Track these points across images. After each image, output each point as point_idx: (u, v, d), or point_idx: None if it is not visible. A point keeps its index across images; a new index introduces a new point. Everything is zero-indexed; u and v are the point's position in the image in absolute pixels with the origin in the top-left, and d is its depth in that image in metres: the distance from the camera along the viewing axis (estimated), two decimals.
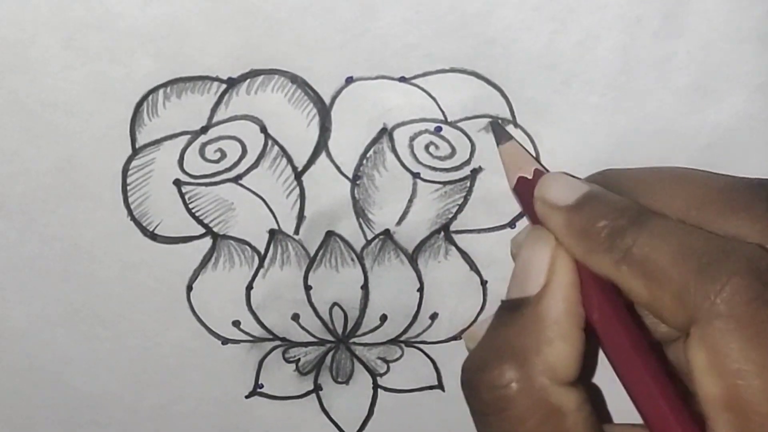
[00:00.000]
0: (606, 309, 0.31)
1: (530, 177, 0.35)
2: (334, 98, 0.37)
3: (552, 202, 0.33)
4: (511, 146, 0.36)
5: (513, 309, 0.32)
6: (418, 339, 0.42)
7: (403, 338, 0.42)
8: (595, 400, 0.32)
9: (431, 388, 0.43)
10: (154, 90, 0.36)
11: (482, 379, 0.31)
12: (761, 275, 0.28)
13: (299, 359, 0.42)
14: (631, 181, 0.33)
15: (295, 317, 0.41)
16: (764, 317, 0.28)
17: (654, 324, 0.34)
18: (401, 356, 0.43)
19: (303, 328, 0.41)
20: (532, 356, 0.31)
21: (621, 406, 0.32)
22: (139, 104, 0.36)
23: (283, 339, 0.42)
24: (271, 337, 0.41)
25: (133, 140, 0.37)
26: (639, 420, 0.31)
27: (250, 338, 0.41)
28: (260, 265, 0.40)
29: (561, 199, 0.32)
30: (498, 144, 0.36)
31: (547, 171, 0.36)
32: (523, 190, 0.35)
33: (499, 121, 0.37)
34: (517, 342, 0.31)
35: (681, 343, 0.30)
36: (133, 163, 0.37)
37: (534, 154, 0.38)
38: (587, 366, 0.32)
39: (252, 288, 0.40)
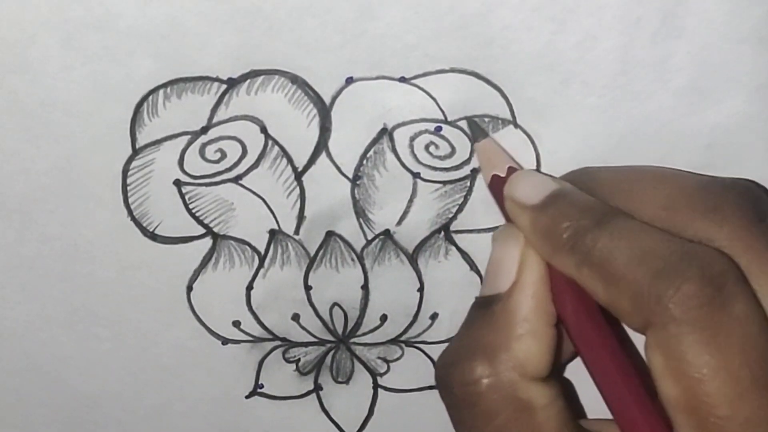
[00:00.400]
0: (577, 306, 0.32)
1: (503, 175, 0.35)
2: (334, 98, 0.37)
3: (519, 200, 0.33)
4: (486, 144, 0.36)
5: (484, 306, 0.32)
6: (419, 339, 0.42)
7: (403, 338, 0.42)
8: (568, 394, 0.33)
9: (431, 388, 0.43)
10: (154, 90, 0.36)
11: (453, 374, 0.31)
12: (714, 279, 0.28)
13: (299, 359, 0.42)
14: (605, 180, 0.33)
15: (295, 317, 0.41)
16: (717, 321, 0.28)
17: None
18: (401, 356, 0.43)
19: (303, 328, 0.41)
20: (501, 352, 0.31)
21: (595, 401, 0.32)
22: (139, 104, 0.36)
23: (283, 339, 0.42)
24: (271, 337, 0.41)
25: (133, 140, 0.37)
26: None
27: (250, 338, 0.41)
28: (260, 265, 0.40)
29: (528, 198, 0.32)
30: (474, 142, 0.36)
31: (521, 168, 0.36)
32: (498, 188, 0.35)
33: (499, 120, 0.37)
34: (487, 338, 0.31)
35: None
36: (133, 164, 0.38)
37: (534, 154, 0.38)
38: (560, 361, 0.32)
39: (252, 288, 0.40)
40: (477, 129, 0.36)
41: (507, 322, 0.31)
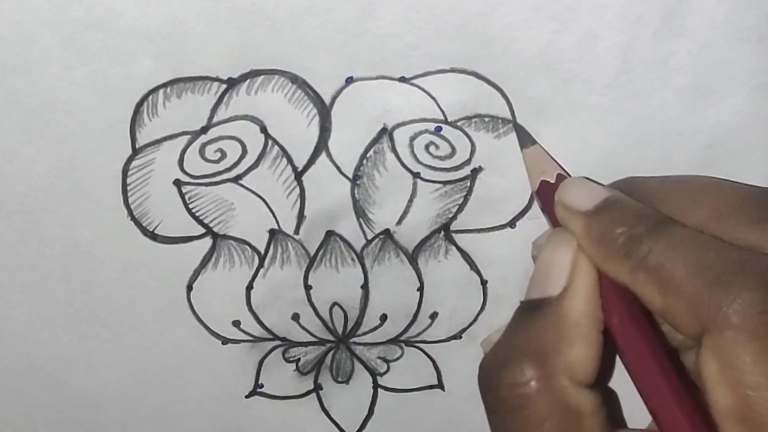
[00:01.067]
0: (624, 314, 0.31)
1: (553, 181, 0.35)
2: (334, 98, 0.37)
3: (572, 206, 0.33)
4: (534, 150, 0.36)
5: (533, 309, 0.32)
6: (418, 338, 0.42)
7: (403, 338, 0.42)
8: (610, 404, 0.32)
9: (431, 387, 0.43)
10: (154, 90, 0.36)
11: (501, 376, 0.31)
12: None
13: (299, 359, 0.42)
14: (653, 189, 0.33)
15: (295, 317, 0.41)
16: None
17: (670, 331, 0.34)
18: (401, 356, 0.43)
19: (303, 327, 0.41)
20: (552, 356, 0.31)
21: (636, 411, 0.32)
22: (139, 104, 0.36)
23: (283, 339, 0.42)
24: (271, 337, 0.41)
25: (133, 140, 0.37)
26: (653, 425, 0.31)
27: (250, 338, 0.41)
28: (260, 265, 0.40)
29: (581, 204, 0.32)
30: (522, 148, 0.37)
31: (570, 176, 0.36)
32: (545, 193, 0.35)
33: (500, 120, 0.37)
34: (537, 341, 0.31)
35: (696, 352, 0.30)
36: (133, 163, 0.37)
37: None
38: (604, 370, 0.32)
39: (252, 288, 0.40)
40: (524, 135, 0.37)
41: (559, 326, 0.31)
